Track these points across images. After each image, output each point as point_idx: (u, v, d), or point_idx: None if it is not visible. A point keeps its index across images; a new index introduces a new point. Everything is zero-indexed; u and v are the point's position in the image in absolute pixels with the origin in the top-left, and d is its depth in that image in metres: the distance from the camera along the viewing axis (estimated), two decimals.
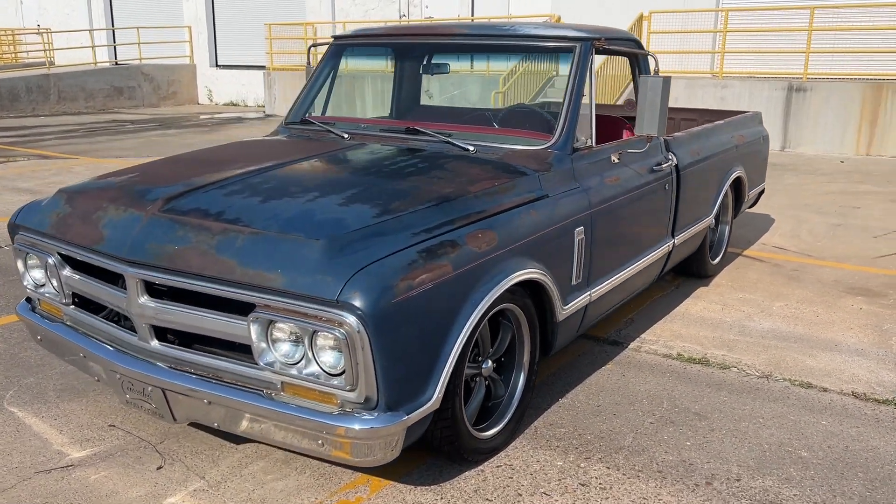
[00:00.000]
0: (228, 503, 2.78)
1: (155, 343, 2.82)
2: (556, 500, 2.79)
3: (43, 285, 3.31)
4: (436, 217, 2.80)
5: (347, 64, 4.56)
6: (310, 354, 2.49)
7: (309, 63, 4.84)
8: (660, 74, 3.65)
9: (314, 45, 4.82)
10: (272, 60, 19.22)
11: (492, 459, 3.07)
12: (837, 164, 11.16)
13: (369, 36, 4.38)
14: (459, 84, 13.09)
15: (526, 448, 3.16)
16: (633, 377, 3.88)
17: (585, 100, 3.66)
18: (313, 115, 4.43)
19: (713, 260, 5.56)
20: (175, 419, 2.86)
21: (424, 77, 4.55)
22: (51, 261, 3.12)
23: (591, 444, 3.19)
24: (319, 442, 2.53)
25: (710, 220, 5.13)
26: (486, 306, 2.77)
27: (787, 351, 4.23)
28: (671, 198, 4.40)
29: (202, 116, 18.83)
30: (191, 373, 2.76)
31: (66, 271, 3.10)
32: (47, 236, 3.13)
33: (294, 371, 2.53)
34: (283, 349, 2.54)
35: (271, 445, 2.98)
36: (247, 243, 2.59)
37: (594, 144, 3.72)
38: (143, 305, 2.76)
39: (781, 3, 13.26)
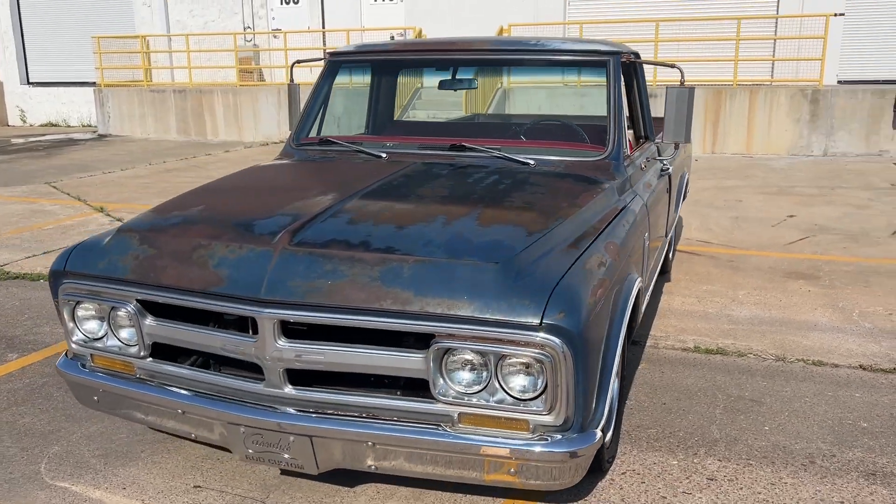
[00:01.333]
0: None
1: (289, 388, 2.59)
2: (700, 498, 2.89)
3: (100, 338, 2.92)
4: (572, 232, 2.82)
5: (352, 80, 4.40)
6: (496, 382, 2.41)
7: (292, 80, 4.61)
8: (685, 86, 3.88)
9: (298, 62, 4.61)
10: (103, 76, 17.79)
11: (612, 468, 3.12)
12: (693, 163, 12.26)
13: (379, 52, 4.26)
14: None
15: (635, 452, 3.24)
16: (671, 373, 4.08)
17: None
18: (314, 135, 4.24)
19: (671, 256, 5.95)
20: (318, 468, 2.64)
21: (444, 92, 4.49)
22: (125, 310, 2.76)
23: (688, 441, 3.34)
24: (511, 470, 2.45)
25: (678, 216, 5.51)
26: (628, 317, 2.83)
27: (780, 334, 4.64)
28: (670, 198, 4.69)
29: (16, 140, 17.00)
30: (341, 416, 2.57)
31: (149, 320, 2.76)
32: (122, 282, 2.77)
33: (475, 400, 2.44)
34: (464, 378, 2.44)
35: (436, 479, 2.81)
36: (416, 272, 2.46)
37: (629, 152, 3.89)
38: (281, 349, 2.53)
39: (628, 17, 14.35)
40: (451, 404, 2.46)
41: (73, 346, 2.98)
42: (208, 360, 2.93)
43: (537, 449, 2.39)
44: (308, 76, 13.75)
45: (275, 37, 17.58)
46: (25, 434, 3.45)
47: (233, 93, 16.06)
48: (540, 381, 2.37)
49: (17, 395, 3.85)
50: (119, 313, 2.84)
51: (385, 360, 2.48)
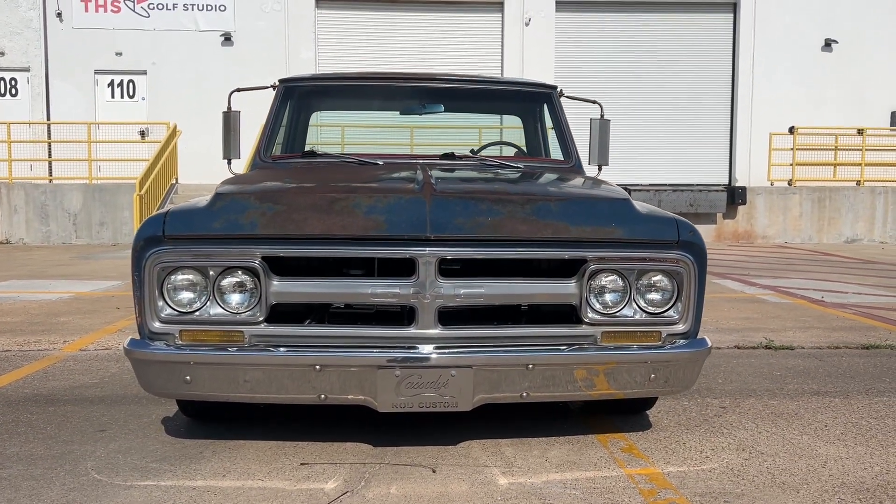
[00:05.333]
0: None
1: (440, 328, 2.71)
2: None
3: (196, 310, 2.72)
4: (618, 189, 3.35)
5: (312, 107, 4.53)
6: (635, 300, 2.82)
7: (229, 108, 4.59)
8: (605, 118, 4.73)
9: (237, 90, 4.64)
10: None
11: (730, 453, 3.00)
12: None
13: (331, 79, 4.50)
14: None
15: (744, 432, 3.27)
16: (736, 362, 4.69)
17: None
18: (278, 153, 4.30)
19: None
20: (473, 402, 2.73)
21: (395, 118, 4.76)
22: (241, 273, 2.67)
23: (793, 416, 3.54)
24: (652, 376, 2.83)
25: None
26: None
27: (787, 332, 5.52)
28: None
29: None
30: (498, 346, 2.74)
31: (276, 280, 2.68)
32: (248, 240, 2.67)
33: (618, 317, 2.81)
34: (608, 299, 2.81)
35: (578, 400, 3.04)
36: (564, 208, 2.81)
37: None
38: (442, 286, 2.66)
39: None
40: (595, 324, 2.80)
41: (158, 323, 2.72)
42: (323, 319, 2.87)
43: (680, 351, 2.81)
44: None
45: None
46: (48, 437, 2.91)
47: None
48: (673, 294, 2.83)
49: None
50: (231, 277, 2.71)
51: (541, 289, 2.76)
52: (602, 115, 4.72)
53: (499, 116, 11.41)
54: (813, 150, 15.01)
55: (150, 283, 2.69)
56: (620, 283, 2.81)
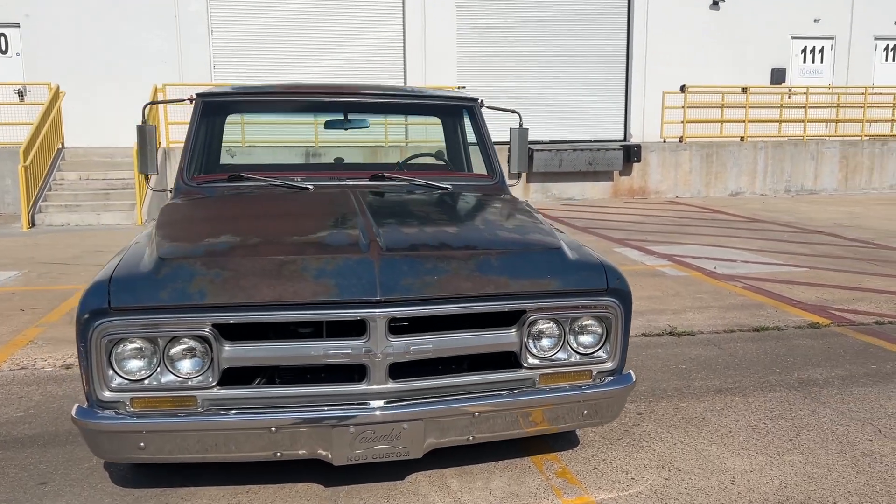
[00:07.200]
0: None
1: (391, 383, 2.84)
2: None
3: (145, 378, 2.75)
4: (545, 226, 3.53)
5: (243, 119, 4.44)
6: (569, 343, 3.04)
7: (144, 122, 4.46)
8: (524, 127, 4.88)
9: (151, 104, 4.51)
10: None
11: (651, 472, 3.29)
12: None
13: (252, 94, 4.42)
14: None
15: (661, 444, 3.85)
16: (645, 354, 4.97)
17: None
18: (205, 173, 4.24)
19: None
20: (423, 449, 2.90)
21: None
22: (190, 340, 2.71)
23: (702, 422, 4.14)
24: (586, 412, 3.08)
25: None
26: None
27: (687, 314, 5.80)
28: None
29: None
30: (445, 397, 2.90)
31: (228, 345, 2.73)
32: (197, 308, 2.69)
33: (554, 361, 3.03)
34: (544, 344, 3.02)
35: (516, 438, 3.20)
36: (503, 262, 2.97)
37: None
38: (393, 344, 2.79)
39: (275, 80, 15.14)
40: (534, 368, 3.01)
41: (108, 392, 2.72)
42: (274, 379, 2.95)
43: (610, 389, 3.06)
44: None
45: None
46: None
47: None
48: (602, 335, 3.06)
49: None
50: (181, 345, 2.73)
51: (484, 340, 2.93)
52: (521, 125, 4.88)
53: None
54: (702, 107, 15.75)
55: (98, 353, 2.68)
56: (556, 329, 3.01)
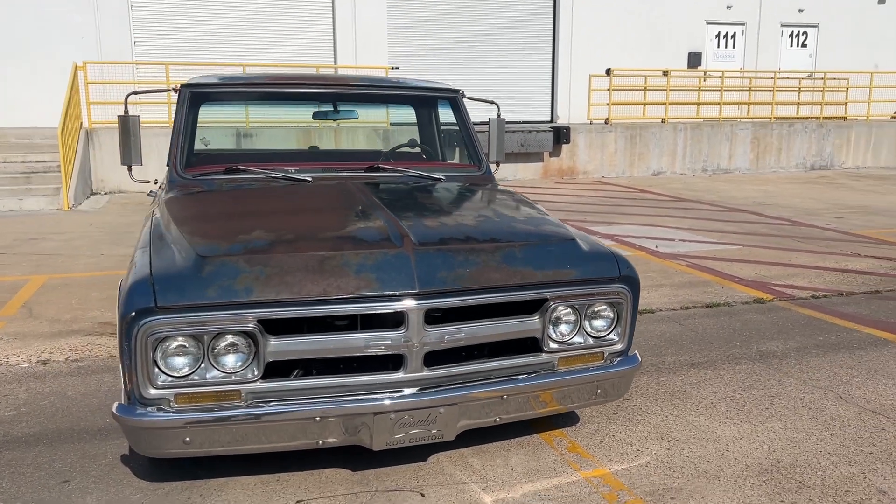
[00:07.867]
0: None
1: (426, 371, 2.99)
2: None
3: (189, 374, 2.80)
4: (547, 215, 3.73)
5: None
6: (584, 327, 3.25)
7: (126, 112, 4.38)
8: (502, 118, 5.05)
9: (134, 93, 4.43)
10: None
11: (653, 443, 3.75)
12: None
13: (238, 84, 4.41)
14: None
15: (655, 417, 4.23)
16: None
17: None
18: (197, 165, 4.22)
19: None
20: (455, 433, 3.06)
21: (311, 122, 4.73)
22: (236, 335, 2.77)
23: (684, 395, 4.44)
24: (599, 391, 3.30)
25: None
26: None
27: (643, 293, 6.08)
28: None
29: None
30: (475, 382, 3.07)
31: (273, 340, 2.81)
32: (243, 305, 2.75)
33: (571, 344, 3.24)
34: (563, 329, 3.22)
35: (538, 416, 3.36)
36: (527, 254, 3.14)
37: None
38: (430, 333, 2.93)
39: (195, 60, 14.72)
40: (553, 352, 3.21)
41: (152, 390, 2.75)
42: (311, 370, 3.03)
43: (620, 369, 3.30)
44: None
45: None
46: None
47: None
48: (614, 320, 3.29)
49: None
50: (225, 340, 2.79)
51: (510, 327, 3.10)
52: (499, 115, 5.04)
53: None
54: (626, 90, 16.31)
55: (143, 352, 2.70)
56: (573, 315, 3.22)
